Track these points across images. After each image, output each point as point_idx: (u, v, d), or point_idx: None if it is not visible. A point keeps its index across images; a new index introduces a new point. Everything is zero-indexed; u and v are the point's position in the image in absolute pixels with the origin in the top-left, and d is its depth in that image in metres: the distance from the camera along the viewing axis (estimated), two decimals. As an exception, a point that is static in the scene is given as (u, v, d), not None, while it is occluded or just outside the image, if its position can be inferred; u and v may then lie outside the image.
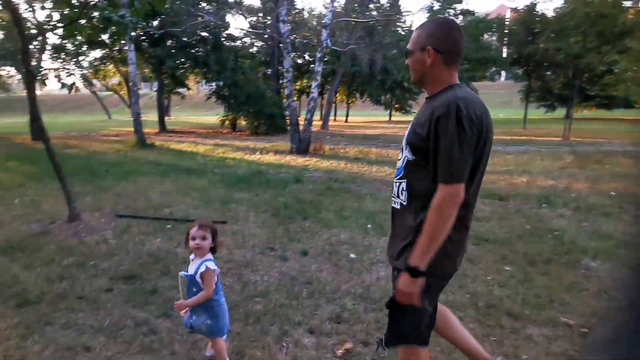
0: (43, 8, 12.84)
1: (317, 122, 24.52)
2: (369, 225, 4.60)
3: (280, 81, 20.97)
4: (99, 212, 5.32)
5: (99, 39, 11.95)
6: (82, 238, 4.26)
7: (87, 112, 47.64)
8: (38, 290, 3.05)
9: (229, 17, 24.57)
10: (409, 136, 1.53)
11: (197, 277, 1.97)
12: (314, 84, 11.48)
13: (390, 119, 35.33)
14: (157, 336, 2.45)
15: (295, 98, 32.03)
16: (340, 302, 2.85)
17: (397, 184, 1.58)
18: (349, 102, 34.23)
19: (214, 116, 23.54)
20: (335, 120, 33.33)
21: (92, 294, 2.98)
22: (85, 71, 17.41)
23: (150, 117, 24.02)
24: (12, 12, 3.64)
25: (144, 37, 16.95)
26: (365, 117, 40.80)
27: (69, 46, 14.79)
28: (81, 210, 5.29)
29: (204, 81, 22.33)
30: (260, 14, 24.47)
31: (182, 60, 18.43)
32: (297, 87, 33.17)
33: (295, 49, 25.24)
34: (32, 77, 3.95)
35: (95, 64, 19.76)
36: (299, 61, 30.03)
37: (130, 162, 9.51)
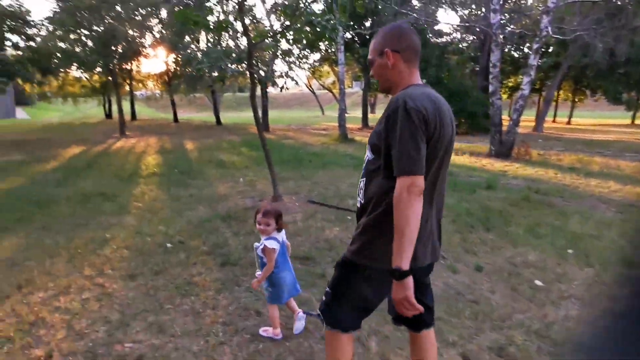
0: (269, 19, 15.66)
1: (529, 123, 21.69)
2: (569, 250, 3.80)
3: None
4: (296, 196, 6.07)
5: (317, 43, 13.62)
6: (278, 217, 4.94)
7: (306, 108, 54.95)
8: (237, 255, 3.71)
9: (439, 12, 23.91)
10: (370, 136, 1.54)
11: (259, 252, 2.37)
12: (525, 79, 10.13)
13: (633, 121, 28.17)
14: (312, 317, 2.63)
15: (505, 96, 29.14)
16: (509, 332, 2.45)
17: (360, 183, 1.60)
18: (575, 100, 28.87)
19: (413, 114, 23.63)
20: (554, 121, 28.74)
21: (273, 267, 3.43)
22: (304, 72, 19.91)
23: (358, 113, 25.86)
24: (242, 23, 4.48)
25: (355, 39, 18.32)
26: (596, 118, 33.76)
27: (295, 51, 17.35)
28: (283, 192, 6.15)
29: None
30: (473, 6, 23.02)
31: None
32: (511, 84, 30.00)
33: (511, 41, 22.84)
34: (253, 77, 4.76)
35: (314, 65, 22.49)
36: (516, 54, 27.02)
37: (330, 154, 10.50)
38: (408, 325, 1.76)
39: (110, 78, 18.90)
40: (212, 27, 4.89)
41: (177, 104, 27.62)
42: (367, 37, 17.94)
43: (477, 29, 20.24)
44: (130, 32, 19.98)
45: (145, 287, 3.06)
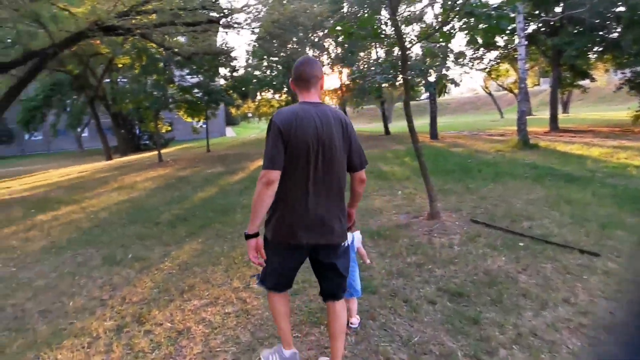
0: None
1: None
2: None
3: None
4: (457, 213, 5.36)
5: (492, 39, 12.15)
6: (432, 238, 4.39)
7: (482, 112, 50.58)
8: (379, 280, 3.36)
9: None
10: None
11: None
12: None
13: None
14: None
15: None
16: None
17: None
18: None
19: (623, 111, 18.94)
20: None
21: (416, 302, 2.95)
22: (480, 73, 18.09)
23: (546, 114, 22.30)
24: (396, 30, 4.15)
25: (543, 28, 15.70)
26: None
27: (468, 52, 15.97)
28: (442, 208, 5.51)
29: (613, 69, 18.21)
30: None
31: (587, 46, 15.72)
32: None
33: None
34: (407, 83, 4.37)
35: (491, 65, 20.28)
36: None
37: (504, 163, 9.14)
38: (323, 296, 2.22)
39: (294, 97, 21.16)
40: (365, 36, 4.70)
41: (351, 116, 29.02)
42: (557, 24, 15.21)
43: None
44: (309, 52, 22.00)
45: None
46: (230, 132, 43.84)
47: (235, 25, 12.02)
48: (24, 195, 10.52)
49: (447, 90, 5.72)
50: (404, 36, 4.97)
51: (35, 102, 26.87)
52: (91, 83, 20.86)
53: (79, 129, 33.50)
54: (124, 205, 7.70)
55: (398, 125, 30.83)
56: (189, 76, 18.42)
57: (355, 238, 2.62)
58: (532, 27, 16.32)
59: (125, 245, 5.04)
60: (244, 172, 11.64)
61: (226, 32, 14.94)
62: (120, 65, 18.43)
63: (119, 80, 23.86)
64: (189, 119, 21.20)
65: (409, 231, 4.70)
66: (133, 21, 10.19)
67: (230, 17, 11.01)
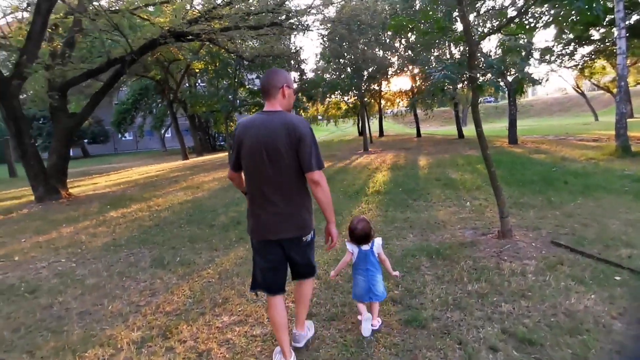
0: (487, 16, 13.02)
1: None
2: None
3: None
4: (534, 232, 4.62)
5: (586, 32, 10.71)
6: (502, 262, 3.75)
7: (573, 115, 45.80)
8: (430, 312, 2.87)
9: None
10: None
11: None
12: None
13: None
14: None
15: None
16: None
17: None
18: None
19: None
20: None
21: (473, 345, 2.42)
22: (571, 71, 16.24)
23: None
24: (463, 21, 3.61)
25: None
26: None
27: (556, 48, 14.34)
28: (517, 226, 4.82)
29: None
30: None
31: None
32: None
33: None
34: (474, 81, 3.80)
35: (583, 61, 18.10)
36: None
37: (597, 174, 7.90)
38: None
39: (361, 99, 20.82)
40: (429, 30, 4.21)
41: (423, 119, 27.82)
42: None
43: None
44: (379, 53, 21.43)
45: (313, 335, 2.66)
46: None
47: (300, 27, 11.95)
48: (105, 191, 11.36)
49: (524, 91, 4.97)
50: (475, 30, 4.37)
51: (126, 106, 29.56)
52: (171, 87, 22.28)
53: (162, 130, 36.20)
54: (186, 206, 7.89)
55: (473, 129, 29.01)
56: (258, 80, 18.88)
57: (375, 243, 2.73)
58: (634, 17, 14.22)
59: (176, 248, 5.04)
60: (305, 175, 11.47)
61: (294, 35, 14.98)
62: (197, 70, 19.43)
63: (197, 84, 25.30)
64: (259, 121, 21.72)
65: (473, 251, 4.09)
66: (201, 27, 10.50)
67: (294, 19, 10.95)
